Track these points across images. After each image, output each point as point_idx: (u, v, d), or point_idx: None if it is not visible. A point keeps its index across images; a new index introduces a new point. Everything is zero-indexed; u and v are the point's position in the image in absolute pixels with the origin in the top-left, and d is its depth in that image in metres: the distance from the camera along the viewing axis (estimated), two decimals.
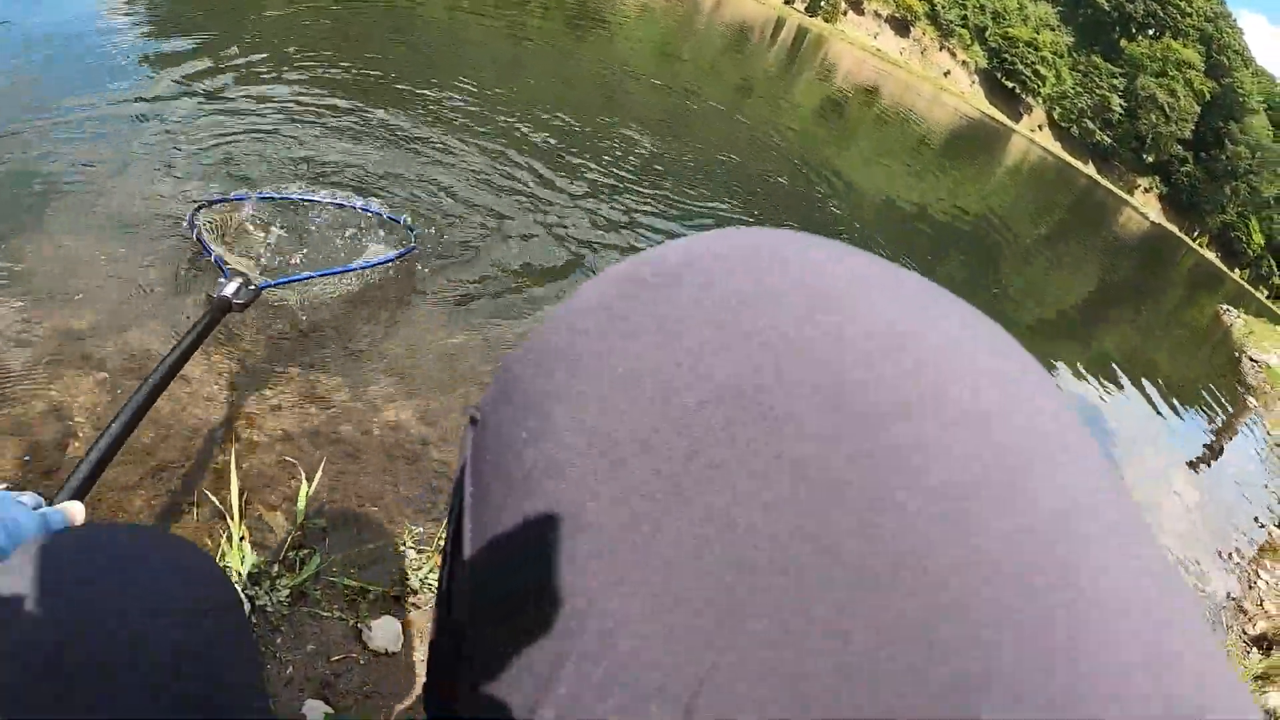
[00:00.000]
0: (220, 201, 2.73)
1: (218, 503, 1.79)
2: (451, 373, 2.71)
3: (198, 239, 2.46)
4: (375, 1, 10.44)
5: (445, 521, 0.50)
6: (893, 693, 0.26)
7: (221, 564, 1.66)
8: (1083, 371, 6.83)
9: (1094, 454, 0.33)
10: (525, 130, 7.67)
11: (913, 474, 0.29)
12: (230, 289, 2.07)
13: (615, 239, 5.45)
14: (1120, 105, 61.36)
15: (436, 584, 0.46)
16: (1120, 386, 6.93)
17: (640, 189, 6.80)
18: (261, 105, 5.20)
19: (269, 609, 1.60)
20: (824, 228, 7.53)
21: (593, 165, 6.96)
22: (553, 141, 7.39)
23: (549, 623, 0.32)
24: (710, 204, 6.99)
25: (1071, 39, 62.35)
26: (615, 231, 5.51)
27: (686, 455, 0.31)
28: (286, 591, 1.62)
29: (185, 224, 2.53)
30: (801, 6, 43.14)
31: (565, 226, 5.46)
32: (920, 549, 0.28)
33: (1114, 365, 7.78)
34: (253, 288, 2.14)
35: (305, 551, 1.72)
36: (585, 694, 0.31)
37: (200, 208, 2.58)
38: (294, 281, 2.38)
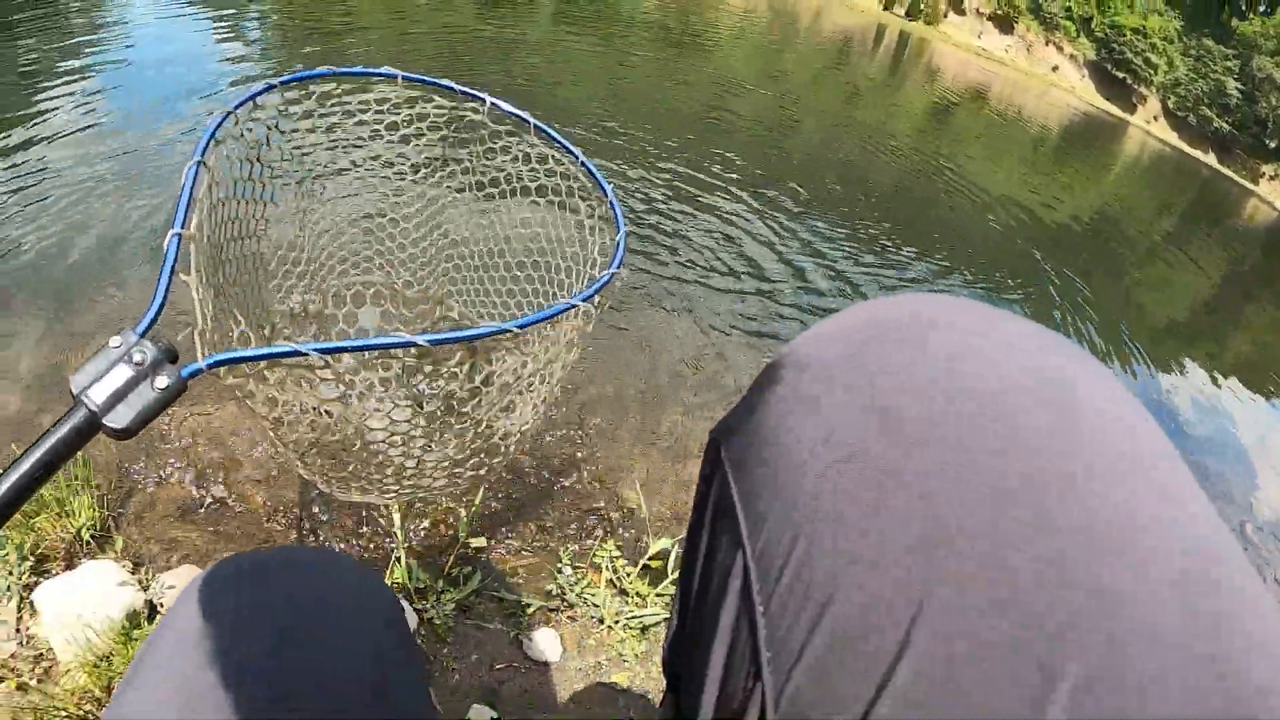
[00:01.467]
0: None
1: (383, 522, 1.90)
2: (616, 400, 2.81)
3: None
4: (480, 31, 10.73)
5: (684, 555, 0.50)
6: None
7: (389, 580, 1.77)
8: (1218, 376, 6.50)
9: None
10: (647, 150, 7.76)
11: None
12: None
13: (745, 253, 5.48)
14: (1237, 89, 58.09)
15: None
16: (1264, 392, 6.60)
17: (764, 205, 6.80)
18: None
19: (436, 621, 1.69)
20: (948, 236, 7.39)
21: (705, 179, 7.00)
22: (668, 161, 7.48)
23: None
24: (841, 221, 6.94)
25: (1180, 23, 59.42)
26: (744, 244, 5.55)
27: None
28: (452, 605, 1.71)
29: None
30: (901, 11, 42.38)
31: (688, 244, 5.52)
32: None
33: (1253, 367, 7.41)
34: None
35: (468, 569, 1.81)
36: None
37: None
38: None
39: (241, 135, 1.43)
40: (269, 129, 1.58)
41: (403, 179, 2.07)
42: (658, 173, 6.83)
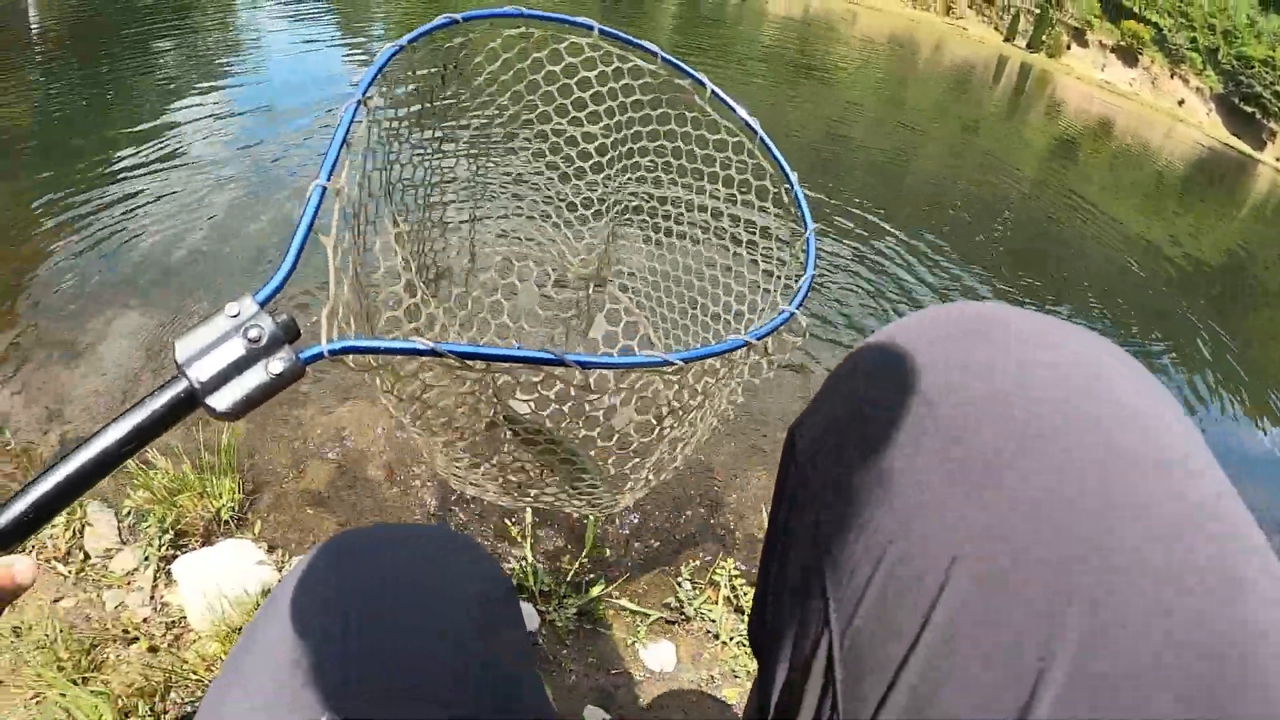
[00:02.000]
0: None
1: (513, 529, 1.97)
2: (751, 421, 2.86)
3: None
4: None
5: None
6: None
7: (517, 583, 1.84)
8: None
9: None
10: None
11: None
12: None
13: (864, 282, 5.45)
14: None
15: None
16: None
17: (881, 237, 6.73)
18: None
19: (557, 624, 1.75)
20: (1078, 275, 7.20)
21: (821, 209, 6.97)
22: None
23: None
24: (964, 255, 6.81)
25: None
26: (871, 275, 5.51)
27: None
28: (573, 610, 1.77)
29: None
30: (1022, 44, 41.37)
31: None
32: None
33: None
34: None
35: (591, 575, 1.86)
36: None
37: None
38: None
39: (411, 76, 1.29)
40: (444, 71, 1.44)
41: (583, 160, 1.91)
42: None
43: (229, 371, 0.63)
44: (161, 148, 5.42)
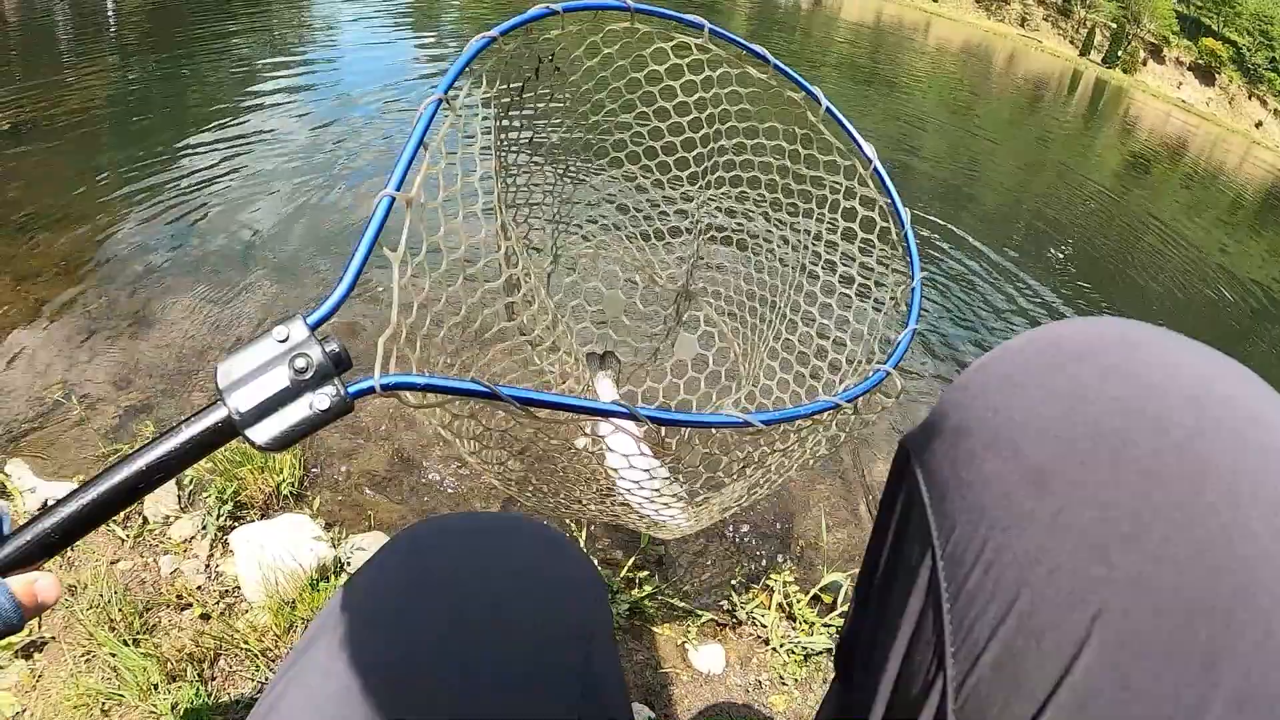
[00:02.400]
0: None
1: (572, 524, 1.94)
2: None
3: None
4: None
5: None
6: None
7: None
8: None
9: None
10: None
11: None
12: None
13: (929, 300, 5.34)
14: None
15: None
16: None
17: (948, 254, 6.63)
18: None
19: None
20: (1148, 298, 7.03)
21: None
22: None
23: None
24: (1034, 276, 6.68)
25: None
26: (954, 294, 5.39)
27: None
28: (626, 605, 1.74)
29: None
30: (1098, 58, 40.51)
31: None
32: None
33: None
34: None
35: (645, 572, 1.83)
36: None
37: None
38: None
39: (501, 72, 1.21)
40: (540, 64, 1.36)
41: (679, 169, 1.84)
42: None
43: (271, 404, 0.60)
44: (233, 129, 5.51)
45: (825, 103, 1.37)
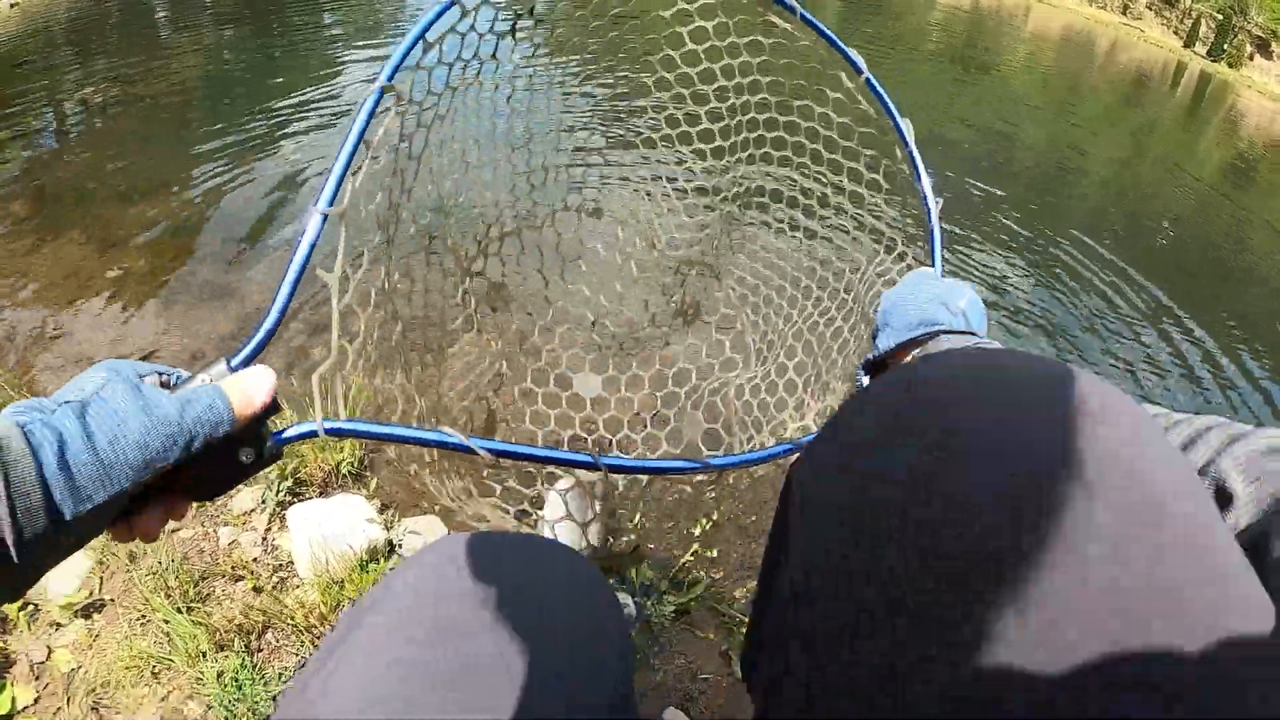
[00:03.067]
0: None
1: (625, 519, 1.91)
2: None
3: None
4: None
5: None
6: None
7: (620, 574, 1.78)
8: None
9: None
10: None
11: None
12: None
13: (1012, 307, 5.22)
14: None
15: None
16: None
17: (1034, 261, 6.44)
18: None
19: (653, 619, 1.69)
20: (1243, 308, 6.76)
21: (975, 224, 6.70)
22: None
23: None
24: (1124, 287, 6.45)
25: None
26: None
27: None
28: (671, 608, 1.71)
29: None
30: (1202, 50, 38.72)
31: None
32: None
33: None
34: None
35: (694, 575, 1.79)
36: None
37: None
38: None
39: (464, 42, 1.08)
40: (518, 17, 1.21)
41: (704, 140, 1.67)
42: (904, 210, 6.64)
43: (196, 464, 0.57)
44: (322, 110, 5.58)
45: (862, 67, 1.26)
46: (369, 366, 0.91)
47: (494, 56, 1.22)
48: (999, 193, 7.67)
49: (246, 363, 0.64)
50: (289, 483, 1.81)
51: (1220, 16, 40.01)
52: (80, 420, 0.52)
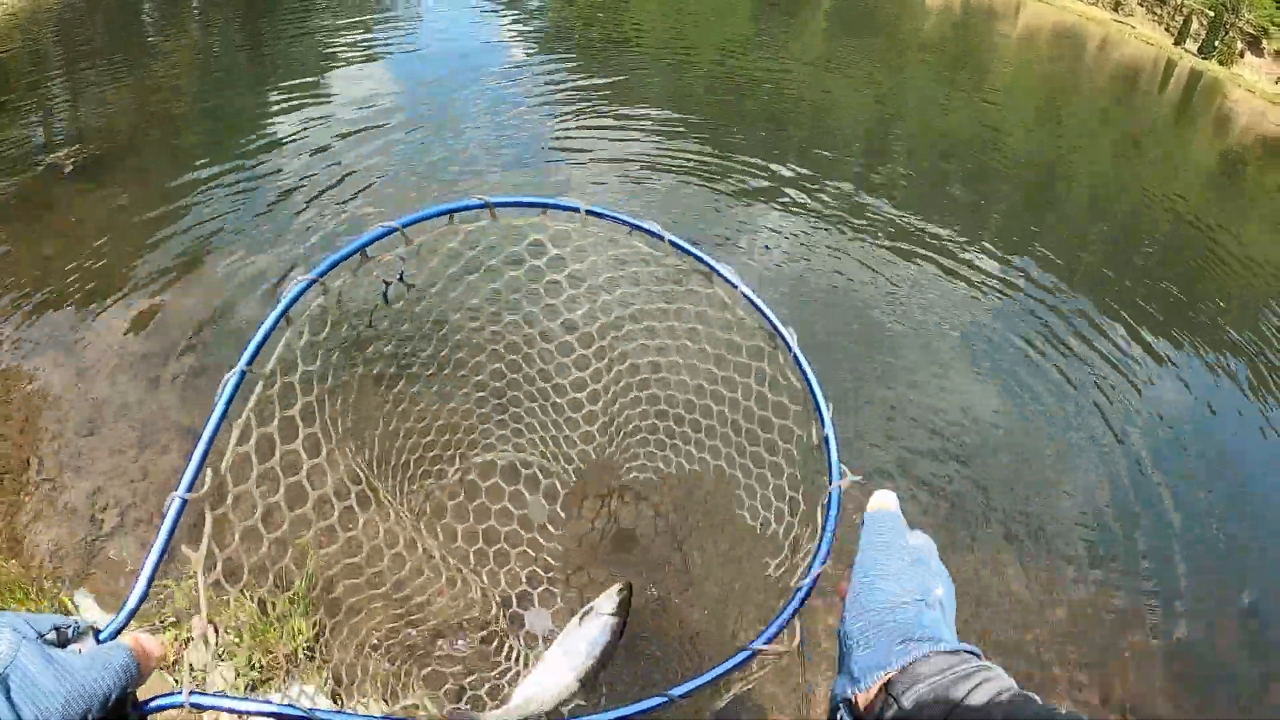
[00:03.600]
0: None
1: None
2: None
3: None
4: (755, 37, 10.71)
5: None
6: None
7: None
8: None
9: None
10: (900, 191, 7.52)
11: None
12: None
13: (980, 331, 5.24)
14: None
15: None
16: None
17: (1013, 273, 6.45)
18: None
19: None
20: (1211, 310, 6.78)
21: (953, 231, 6.72)
22: (917, 204, 7.23)
23: None
24: (1107, 300, 6.49)
25: None
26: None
27: None
28: None
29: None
30: (1193, 47, 38.73)
31: (915, 309, 5.33)
32: None
33: None
34: None
35: None
36: None
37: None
38: None
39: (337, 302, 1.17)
40: (387, 285, 1.37)
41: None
42: (901, 213, 6.64)
43: None
44: (309, 105, 5.62)
45: (734, 281, 1.36)
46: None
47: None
48: (982, 199, 7.69)
49: (114, 635, 0.68)
50: (256, 670, 2.05)
51: (1211, 13, 39.98)
52: (6, 699, 0.54)
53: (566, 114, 7.25)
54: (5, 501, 2.67)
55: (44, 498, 2.69)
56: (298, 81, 6.42)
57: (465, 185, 5.36)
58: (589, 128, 7.05)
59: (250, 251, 4.02)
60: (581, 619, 1.83)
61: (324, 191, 4.73)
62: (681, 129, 7.58)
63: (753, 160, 7.20)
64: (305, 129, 5.59)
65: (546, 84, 7.90)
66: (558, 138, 6.70)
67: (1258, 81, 35.25)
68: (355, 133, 5.69)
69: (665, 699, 0.83)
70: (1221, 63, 36.97)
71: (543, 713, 1.72)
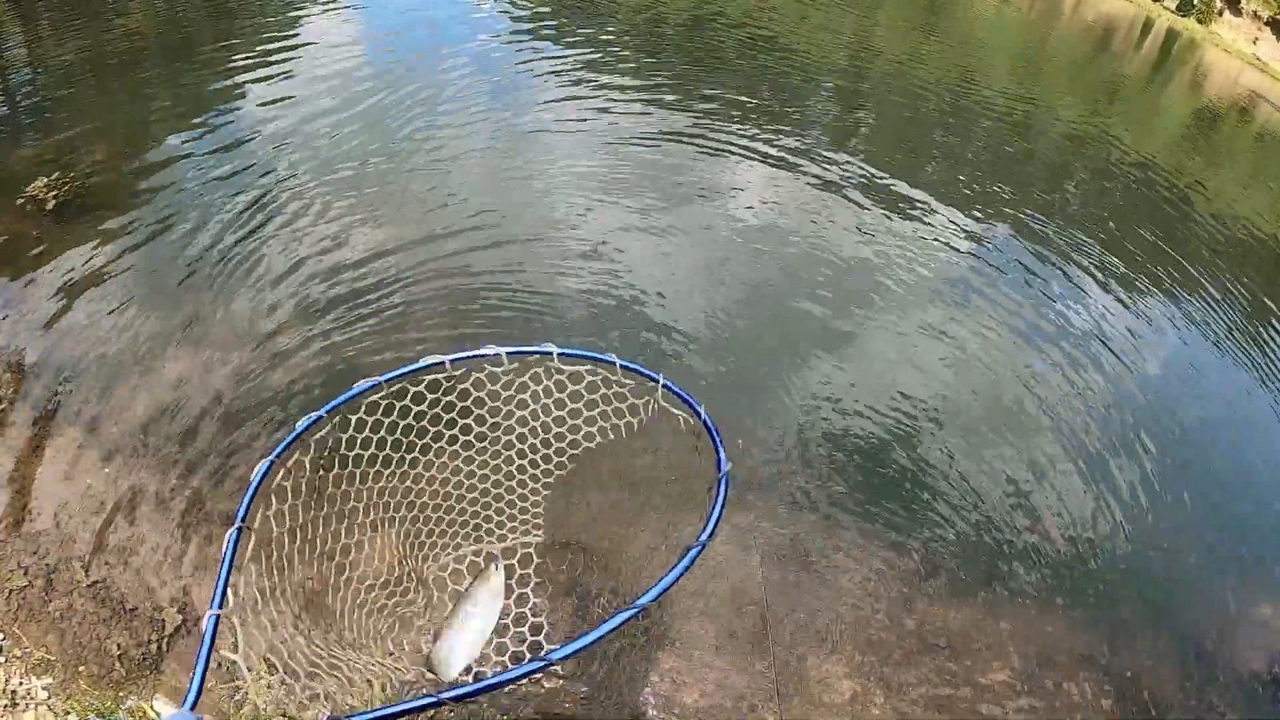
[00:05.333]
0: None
1: None
2: None
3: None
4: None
5: None
6: None
7: None
8: None
9: None
10: (872, 145, 7.48)
11: None
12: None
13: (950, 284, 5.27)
14: None
15: None
16: None
17: (988, 223, 6.46)
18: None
19: None
20: (1183, 255, 6.86)
21: (922, 181, 6.71)
22: (888, 157, 7.21)
23: None
24: (1080, 248, 6.52)
25: None
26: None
27: None
28: None
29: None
30: (1172, 4, 38.61)
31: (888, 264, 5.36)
32: None
33: None
34: None
35: None
36: None
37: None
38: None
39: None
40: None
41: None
42: (870, 161, 6.63)
43: None
44: (281, 63, 5.51)
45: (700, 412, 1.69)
46: None
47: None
48: (954, 147, 7.67)
49: None
50: None
51: None
52: None
53: (526, 68, 7.22)
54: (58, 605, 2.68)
55: (95, 597, 2.71)
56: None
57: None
58: (557, 80, 7.01)
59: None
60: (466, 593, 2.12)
61: (300, 197, 4.71)
62: (653, 82, 7.52)
63: (722, 108, 7.16)
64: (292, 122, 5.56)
65: (508, 42, 7.82)
66: (525, 95, 6.67)
67: (1235, 40, 35.24)
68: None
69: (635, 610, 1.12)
70: (1200, 20, 36.89)
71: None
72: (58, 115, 4.84)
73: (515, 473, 2.23)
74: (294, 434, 1.40)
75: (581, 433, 2.02)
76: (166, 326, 3.59)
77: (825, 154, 6.81)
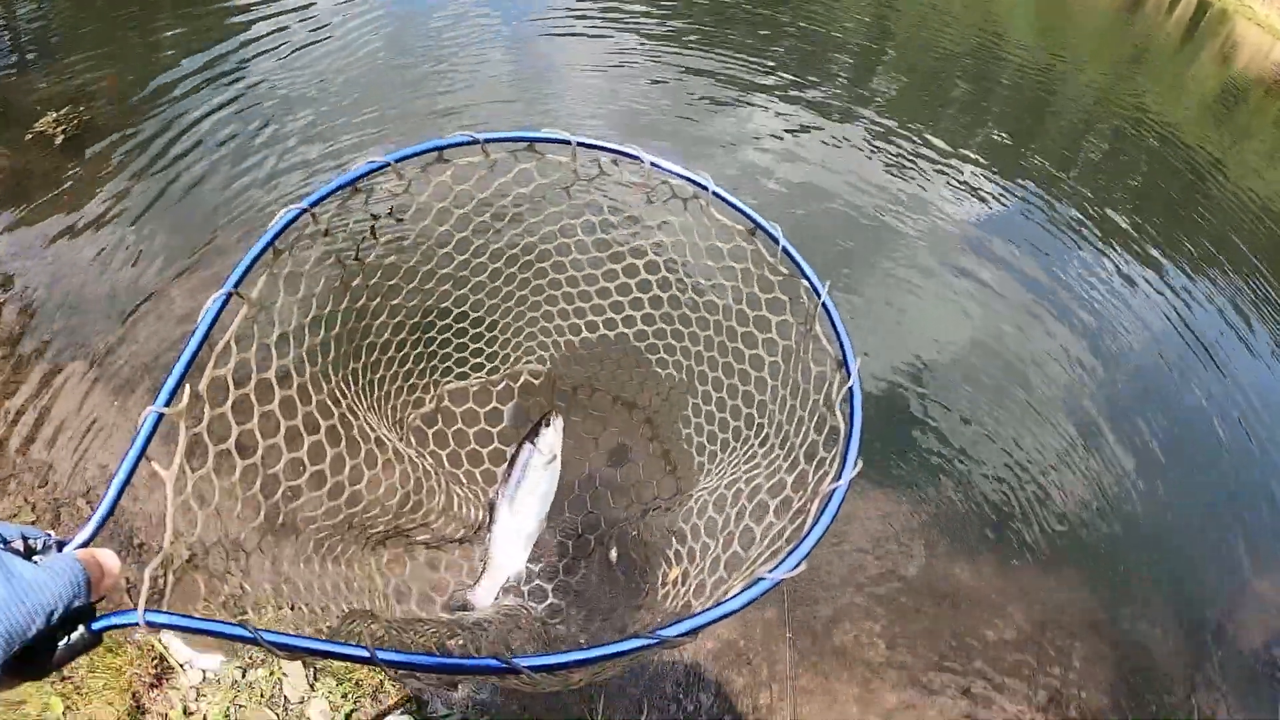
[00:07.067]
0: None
1: None
2: None
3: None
4: None
5: None
6: None
7: None
8: None
9: None
10: (902, 104, 7.40)
11: None
12: None
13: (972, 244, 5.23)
14: None
15: None
16: None
17: (1006, 183, 6.39)
18: None
19: None
20: (1194, 234, 6.79)
21: (947, 134, 6.64)
22: (918, 117, 7.12)
23: None
24: (1090, 214, 6.45)
25: None
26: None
27: None
28: None
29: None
30: None
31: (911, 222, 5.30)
32: None
33: None
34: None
35: None
36: None
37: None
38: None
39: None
40: (374, 222, 1.44)
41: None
42: (895, 117, 6.58)
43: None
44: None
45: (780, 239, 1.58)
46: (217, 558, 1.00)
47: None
48: (979, 105, 7.58)
49: (83, 546, 0.68)
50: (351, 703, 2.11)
51: None
52: None
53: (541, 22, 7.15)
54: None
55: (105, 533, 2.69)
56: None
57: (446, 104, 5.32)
58: (569, 35, 6.94)
59: (239, 186, 4.06)
60: (513, 467, 1.96)
61: (313, 124, 4.69)
62: (671, 29, 7.43)
63: (743, 58, 7.08)
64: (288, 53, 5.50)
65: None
66: (534, 45, 6.61)
67: (1269, 15, 34.59)
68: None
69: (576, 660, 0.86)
70: None
71: (520, 571, 1.90)
72: (65, 52, 4.82)
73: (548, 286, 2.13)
74: (277, 227, 1.13)
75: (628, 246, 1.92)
76: (178, 257, 3.60)
77: (842, 108, 6.74)
